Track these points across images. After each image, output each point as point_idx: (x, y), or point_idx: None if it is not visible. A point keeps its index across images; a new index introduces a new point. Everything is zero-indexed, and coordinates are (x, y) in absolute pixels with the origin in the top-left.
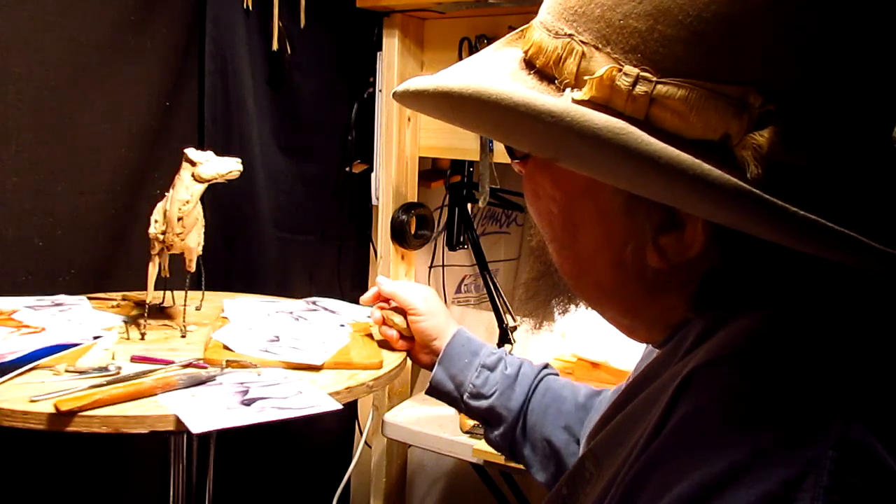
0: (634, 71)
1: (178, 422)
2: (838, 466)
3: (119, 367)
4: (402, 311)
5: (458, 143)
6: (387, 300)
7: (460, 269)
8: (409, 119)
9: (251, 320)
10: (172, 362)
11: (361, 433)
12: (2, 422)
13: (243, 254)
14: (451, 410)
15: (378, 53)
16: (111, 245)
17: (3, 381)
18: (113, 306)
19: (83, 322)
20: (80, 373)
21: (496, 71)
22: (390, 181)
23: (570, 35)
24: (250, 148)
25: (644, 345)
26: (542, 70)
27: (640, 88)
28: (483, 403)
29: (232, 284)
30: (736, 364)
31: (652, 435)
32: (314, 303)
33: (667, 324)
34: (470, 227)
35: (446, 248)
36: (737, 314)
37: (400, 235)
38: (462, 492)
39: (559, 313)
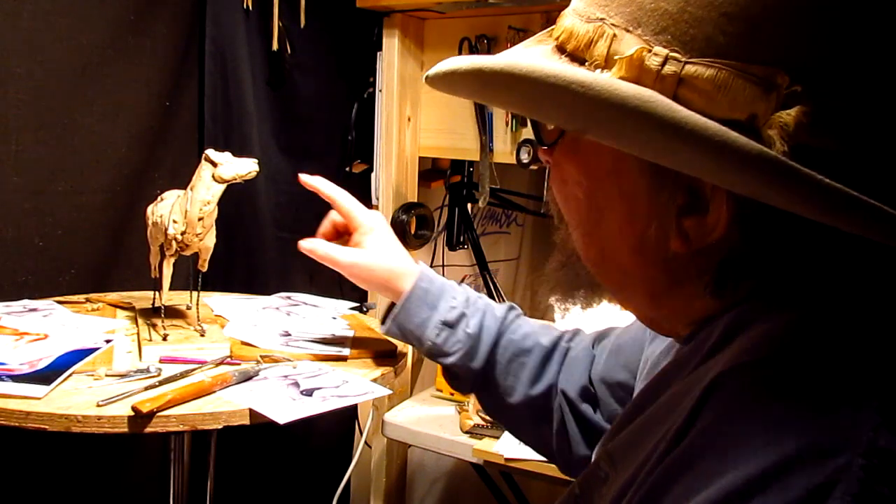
0: (664, 51)
1: (254, 415)
2: (867, 474)
3: (160, 369)
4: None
5: (458, 143)
6: (338, 236)
7: (460, 269)
8: (409, 119)
9: (250, 317)
10: (205, 362)
11: (361, 433)
12: (72, 428)
13: (243, 254)
14: (452, 410)
15: (378, 53)
16: (111, 245)
17: (53, 388)
18: (93, 309)
19: (80, 326)
20: (121, 376)
21: (525, 55)
22: (390, 181)
23: (601, 19)
24: (250, 148)
25: (645, 342)
26: (573, 54)
27: (669, 68)
28: (444, 360)
29: (232, 284)
30: (763, 370)
31: (675, 439)
32: (289, 297)
33: (689, 317)
34: (470, 227)
35: (446, 248)
36: (759, 316)
37: (400, 235)
38: (462, 492)
39: (581, 307)
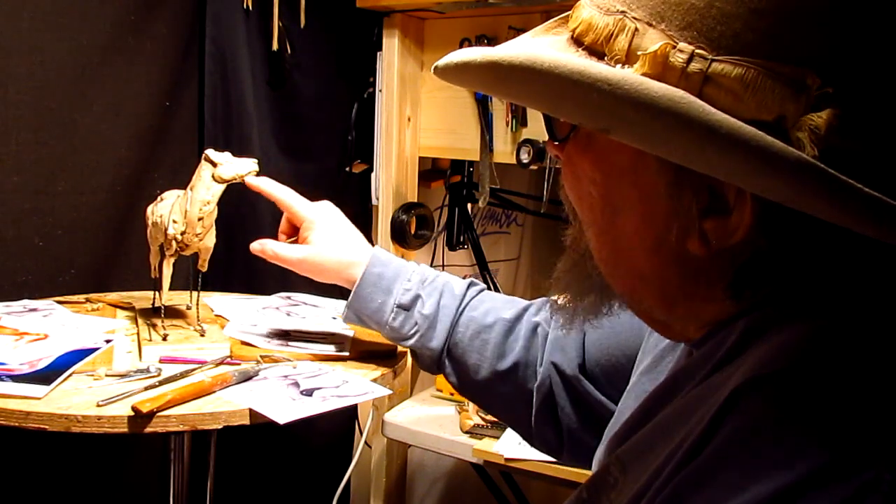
0: (689, 48)
1: (254, 415)
2: (893, 490)
3: (160, 369)
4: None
5: (458, 143)
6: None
7: (460, 269)
8: (409, 119)
9: (250, 317)
10: (205, 362)
11: (361, 433)
12: (72, 428)
13: (243, 254)
14: (452, 410)
15: (378, 53)
16: (111, 245)
17: (53, 388)
18: (93, 309)
19: (80, 326)
20: (121, 376)
21: (541, 47)
22: (390, 181)
23: (622, 12)
24: (250, 148)
25: (644, 329)
26: (592, 47)
27: (695, 66)
28: (404, 343)
29: (232, 284)
30: (787, 382)
31: (693, 449)
32: (289, 297)
33: (702, 320)
34: (470, 227)
35: (446, 248)
36: (777, 323)
37: (400, 235)
38: (462, 492)
39: (590, 311)
